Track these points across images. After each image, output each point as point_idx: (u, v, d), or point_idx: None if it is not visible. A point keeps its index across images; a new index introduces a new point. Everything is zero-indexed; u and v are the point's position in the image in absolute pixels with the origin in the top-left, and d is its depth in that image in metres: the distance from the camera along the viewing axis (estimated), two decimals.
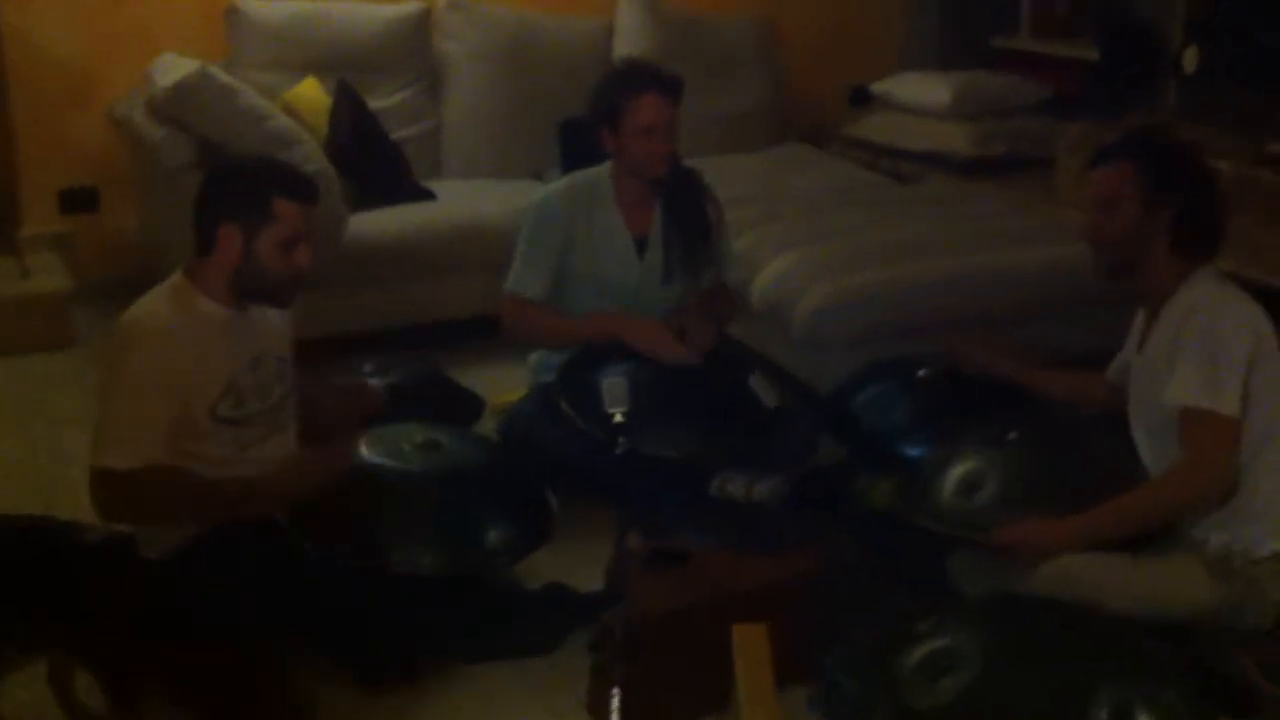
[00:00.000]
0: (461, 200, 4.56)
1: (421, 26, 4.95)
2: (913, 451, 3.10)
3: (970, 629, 2.38)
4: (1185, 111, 5.19)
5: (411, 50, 4.92)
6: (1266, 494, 2.60)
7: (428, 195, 4.58)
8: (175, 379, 2.53)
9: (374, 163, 4.54)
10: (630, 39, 5.22)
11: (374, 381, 3.31)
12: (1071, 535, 2.56)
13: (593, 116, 3.34)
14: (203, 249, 2.63)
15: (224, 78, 4.02)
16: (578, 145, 4.48)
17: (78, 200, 4.85)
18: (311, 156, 3.97)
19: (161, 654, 2.45)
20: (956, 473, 2.81)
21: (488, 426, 3.49)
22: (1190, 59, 5.10)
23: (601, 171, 3.40)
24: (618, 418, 2.65)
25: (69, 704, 2.40)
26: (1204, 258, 2.69)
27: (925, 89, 5.56)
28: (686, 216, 3.40)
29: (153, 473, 2.48)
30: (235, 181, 2.69)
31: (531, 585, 2.92)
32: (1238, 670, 2.57)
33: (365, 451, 2.74)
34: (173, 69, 4.11)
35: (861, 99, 5.94)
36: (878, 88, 5.77)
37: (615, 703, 2.34)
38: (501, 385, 3.68)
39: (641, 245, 3.38)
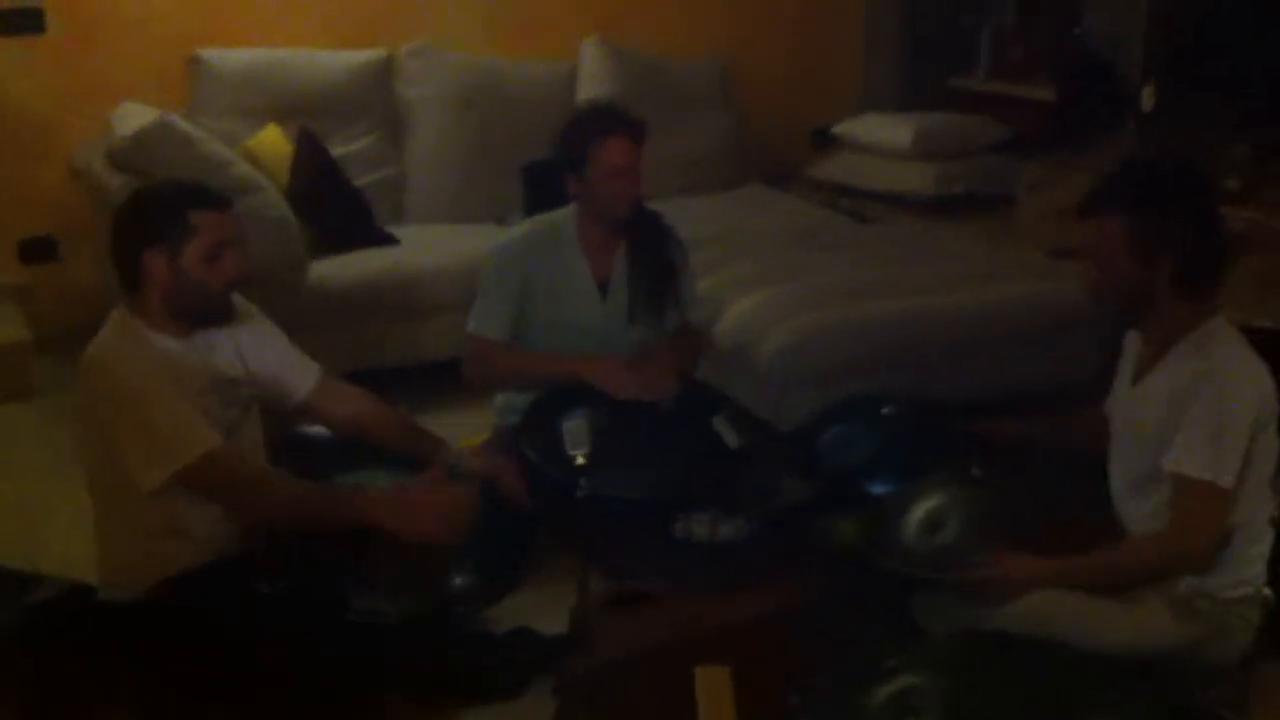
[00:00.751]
0: (424, 245, 4.57)
1: (383, 73, 4.97)
2: (877, 489, 3.10)
3: (936, 667, 2.38)
4: (1144, 149, 5.25)
5: (373, 96, 4.94)
6: (1235, 544, 2.59)
7: (390, 240, 4.58)
8: (171, 388, 2.54)
9: (336, 208, 4.54)
10: (593, 82, 5.25)
11: None
12: (1048, 576, 2.54)
13: (558, 160, 3.35)
14: (131, 284, 2.63)
15: (184, 126, 4.02)
16: (541, 189, 4.50)
17: (37, 250, 4.84)
18: (273, 203, 3.97)
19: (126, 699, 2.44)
20: (920, 511, 2.81)
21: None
22: (1148, 97, 5.17)
23: (564, 215, 3.40)
24: (579, 460, 2.64)
25: None
26: (1212, 291, 2.58)
27: (886, 130, 5.61)
28: (650, 258, 3.41)
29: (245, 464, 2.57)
30: (146, 207, 2.68)
31: (497, 629, 2.90)
32: (1204, 706, 2.57)
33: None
34: (133, 118, 4.11)
35: (823, 140, 5.99)
36: (839, 129, 5.82)
37: None
38: (466, 429, 3.66)
39: (604, 289, 3.38)
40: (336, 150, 4.70)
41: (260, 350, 2.83)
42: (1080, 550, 2.61)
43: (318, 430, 2.99)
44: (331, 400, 2.93)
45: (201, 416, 2.55)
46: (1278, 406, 2.56)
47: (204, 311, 2.66)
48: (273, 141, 4.53)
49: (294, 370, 2.90)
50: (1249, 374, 2.54)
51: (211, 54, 4.68)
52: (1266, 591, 2.64)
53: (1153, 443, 2.57)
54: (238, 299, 2.76)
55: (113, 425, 2.52)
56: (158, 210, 2.64)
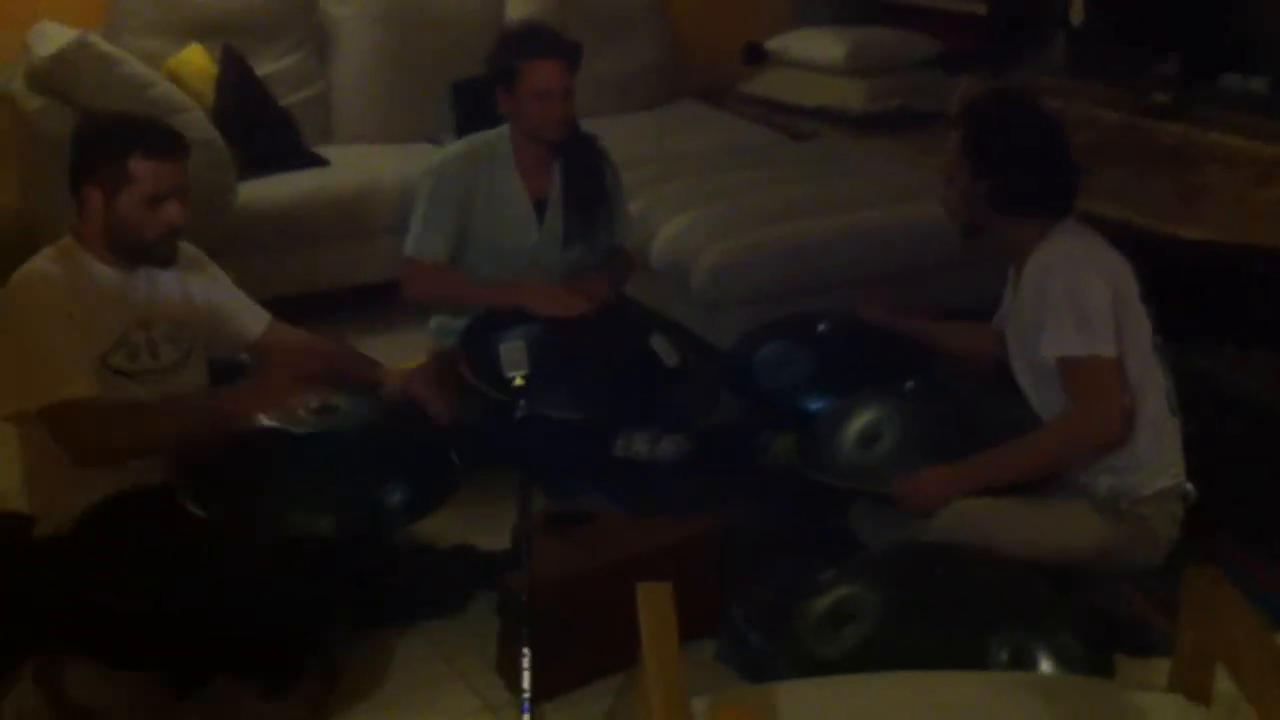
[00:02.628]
0: (354, 165, 4.50)
1: None
2: (812, 406, 3.13)
3: (871, 578, 2.42)
4: (1073, 64, 5.27)
5: (297, 13, 4.83)
6: (1145, 441, 2.66)
7: (319, 161, 4.51)
8: (75, 323, 2.50)
9: (263, 129, 4.46)
10: None
11: None
12: (964, 480, 2.61)
13: (489, 78, 3.31)
14: (78, 210, 2.61)
15: (104, 46, 3.91)
16: (472, 107, 4.45)
17: None
18: (197, 124, 3.89)
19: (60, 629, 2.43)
20: (854, 426, 2.85)
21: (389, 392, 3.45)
22: (1077, 12, 5.18)
23: (500, 134, 3.37)
24: (518, 381, 2.64)
25: (56, 703, 2.40)
26: (1044, 216, 2.71)
27: (819, 45, 5.58)
28: (584, 180, 3.39)
29: (104, 402, 2.48)
30: (91, 142, 2.63)
31: (439, 546, 2.92)
32: (1132, 609, 2.64)
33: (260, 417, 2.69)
34: (51, 38, 3.99)
35: (755, 56, 5.95)
36: (772, 44, 5.78)
37: (525, 663, 2.34)
38: (402, 351, 3.64)
39: (540, 208, 3.37)
40: (261, 69, 4.59)
41: (210, 295, 2.83)
42: None
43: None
44: (279, 342, 2.95)
45: (87, 364, 2.49)
46: (1138, 288, 2.68)
47: (141, 252, 2.63)
48: (196, 61, 4.43)
49: (245, 315, 2.92)
50: (1090, 255, 2.67)
51: None
52: (1188, 485, 2.71)
53: (1031, 343, 2.68)
54: (189, 246, 2.74)
55: (5, 349, 2.51)
56: (99, 148, 2.59)
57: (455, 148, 3.43)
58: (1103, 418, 2.60)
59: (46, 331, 2.48)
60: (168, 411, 2.61)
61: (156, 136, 2.62)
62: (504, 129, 3.36)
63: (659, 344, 3.29)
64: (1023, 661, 2.20)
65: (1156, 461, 2.68)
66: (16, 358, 2.49)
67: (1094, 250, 2.69)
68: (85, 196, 2.57)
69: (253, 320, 2.94)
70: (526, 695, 2.34)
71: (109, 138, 2.61)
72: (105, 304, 2.58)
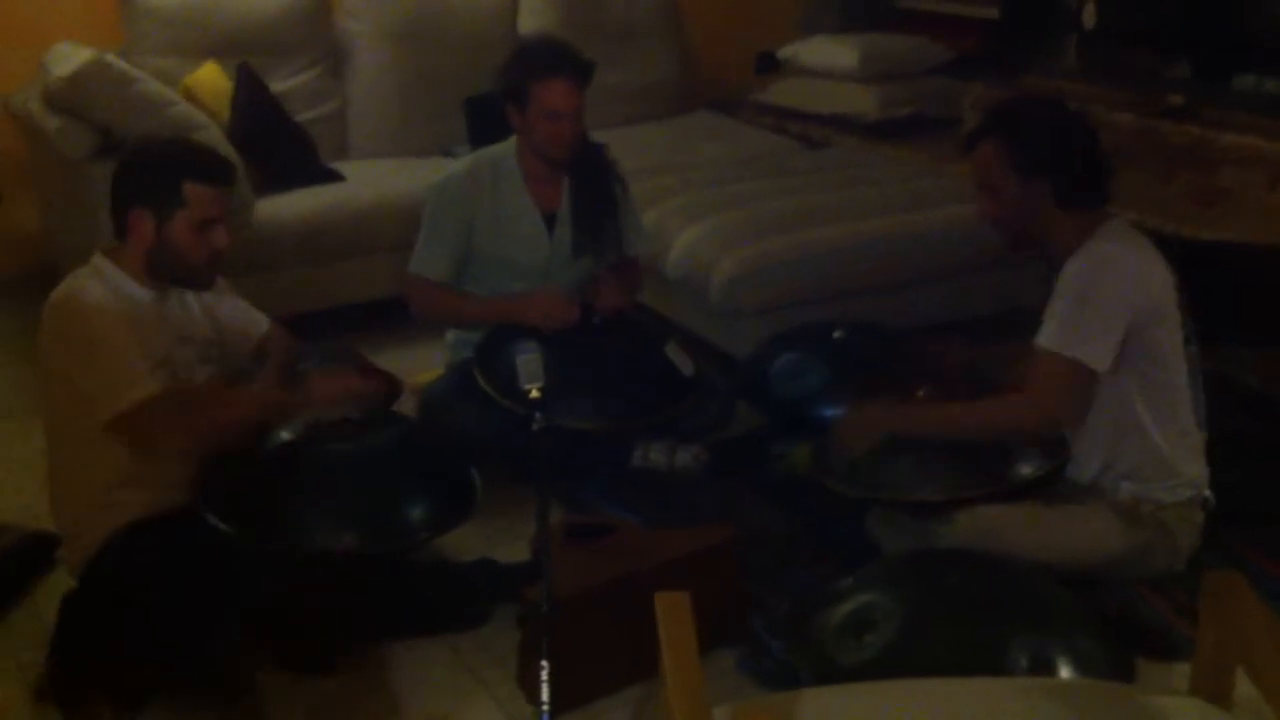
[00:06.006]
0: (369, 181, 4.52)
1: (322, 6, 4.89)
2: (828, 414, 3.13)
3: (890, 585, 2.42)
4: (1086, 68, 5.28)
5: (312, 30, 4.86)
6: (1171, 449, 2.65)
7: (335, 177, 4.53)
8: (130, 327, 2.52)
9: (279, 146, 4.48)
10: (535, 12, 5.20)
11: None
12: (896, 419, 2.70)
13: (499, 93, 3.32)
14: (118, 233, 2.62)
15: (121, 65, 3.94)
16: (485, 121, 4.46)
17: None
18: (215, 142, 3.91)
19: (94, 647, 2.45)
20: None
21: (406, 406, 3.47)
22: (1089, 16, 5.18)
23: (507, 148, 3.37)
24: (534, 393, 2.65)
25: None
26: (1098, 206, 2.70)
27: (831, 52, 5.59)
28: (593, 192, 3.39)
29: (179, 392, 2.54)
30: (145, 166, 2.65)
31: (460, 560, 2.93)
32: (1152, 614, 2.64)
33: (281, 433, 2.71)
34: (68, 58, 4.02)
35: (768, 65, 5.96)
36: (784, 52, 5.79)
37: (545, 675, 2.34)
38: (418, 365, 3.66)
39: (550, 221, 3.37)
40: (276, 86, 4.63)
41: (227, 310, 2.85)
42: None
43: None
44: (278, 344, 2.96)
45: (145, 364, 2.51)
46: (1175, 294, 2.65)
47: (180, 277, 2.65)
48: (211, 79, 4.46)
49: (252, 325, 2.94)
50: (1124, 258, 2.62)
51: None
52: (1207, 493, 2.71)
53: None
54: None
55: (72, 365, 2.51)
56: (154, 171, 2.61)
57: (458, 165, 3.44)
58: (1041, 411, 2.62)
59: (110, 338, 2.49)
60: (241, 401, 2.67)
61: (211, 163, 2.66)
62: (511, 142, 3.36)
63: (675, 354, 3.30)
64: (1042, 667, 2.20)
65: (1181, 471, 2.67)
66: (92, 370, 2.50)
67: (1132, 253, 2.65)
68: (134, 219, 2.58)
69: (255, 327, 2.95)
70: (546, 707, 2.34)
71: (164, 162, 2.63)
72: (148, 323, 2.59)
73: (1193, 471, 2.70)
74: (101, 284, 2.57)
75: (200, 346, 2.71)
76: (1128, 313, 2.58)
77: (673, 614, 1.80)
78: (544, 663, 2.34)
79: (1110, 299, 2.58)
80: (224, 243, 2.64)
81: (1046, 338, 2.61)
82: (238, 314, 2.89)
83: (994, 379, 2.92)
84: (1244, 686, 1.80)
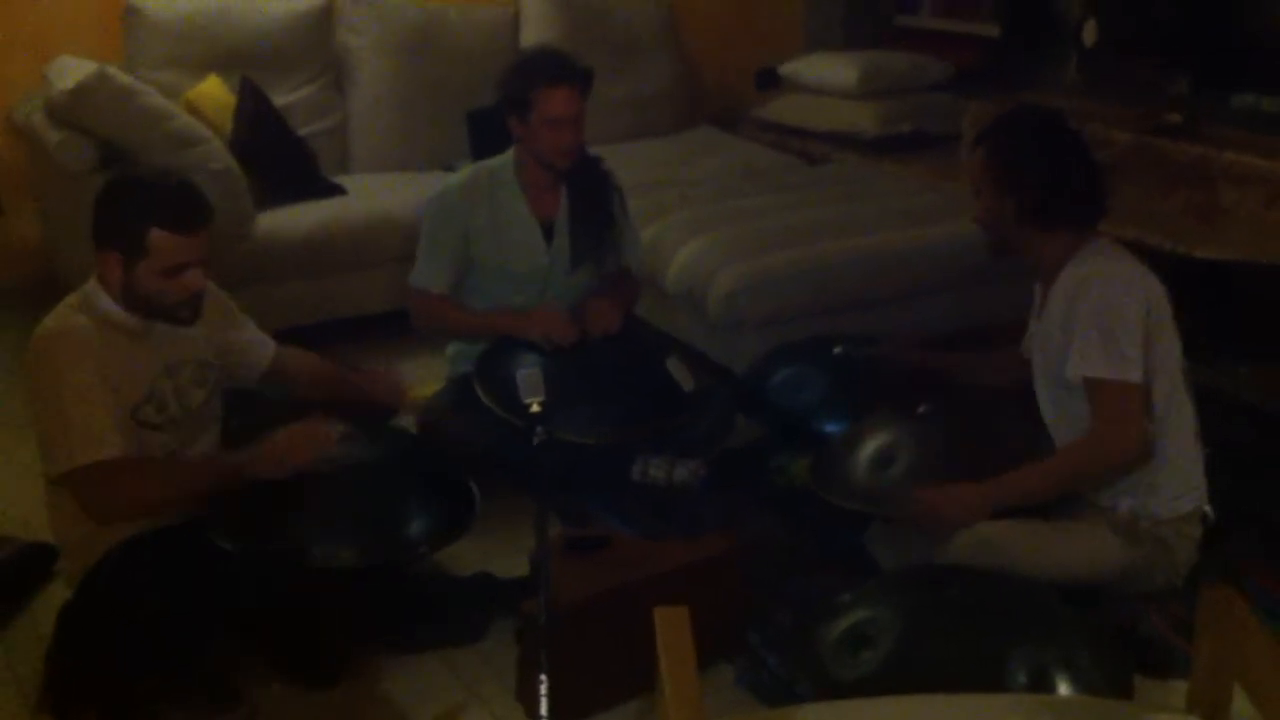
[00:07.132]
0: (371, 194, 4.54)
1: (324, 20, 4.91)
2: (827, 428, 3.14)
3: (888, 600, 2.42)
4: (1086, 84, 5.29)
5: (314, 44, 4.87)
6: (1171, 462, 2.66)
7: (337, 190, 4.54)
8: (105, 379, 2.48)
9: (281, 159, 4.49)
10: (537, 26, 5.22)
11: None
12: (985, 499, 2.60)
13: (501, 103, 3.33)
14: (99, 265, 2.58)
15: (123, 78, 3.95)
16: (487, 134, 4.47)
17: None
18: (216, 155, 3.93)
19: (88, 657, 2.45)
20: (869, 449, 2.85)
21: (406, 420, 3.47)
22: (1089, 32, 5.19)
23: (505, 159, 3.39)
24: (535, 407, 2.65)
25: None
26: (1088, 227, 2.71)
27: (831, 69, 5.61)
28: (591, 202, 3.40)
29: (133, 461, 2.47)
30: (112, 209, 2.55)
31: (458, 574, 2.93)
32: (1151, 630, 2.64)
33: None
34: (70, 71, 4.03)
35: (768, 81, 5.98)
36: (785, 69, 5.81)
37: (543, 690, 2.34)
38: (419, 378, 3.67)
39: (548, 230, 3.38)
40: (279, 100, 4.64)
41: (226, 329, 2.83)
42: None
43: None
44: (287, 366, 2.96)
45: (112, 423, 2.46)
46: (1170, 308, 2.67)
47: (159, 315, 2.59)
48: (214, 92, 4.47)
49: (256, 345, 2.92)
50: (1126, 274, 2.65)
51: (147, 4, 4.59)
52: (1206, 508, 2.71)
53: (1057, 361, 2.67)
54: None
55: (38, 410, 2.50)
56: (119, 218, 2.53)
57: (455, 178, 3.45)
58: (1122, 441, 2.59)
59: (78, 390, 2.44)
60: (194, 472, 2.60)
61: (179, 210, 2.54)
62: (509, 153, 3.38)
63: (674, 368, 3.31)
64: (1041, 683, 2.20)
65: (1179, 486, 2.68)
66: (54, 419, 2.46)
67: (1128, 270, 2.67)
68: (102, 260, 2.53)
69: (262, 348, 2.93)
70: None
71: (130, 206, 2.53)
72: (134, 355, 2.56)
73: (1191, 484, 2.70)
74: (89, 317, 2.53)
75: (192, 369, 2.68)
76: (1145, 323, 2.59)
77: (671, 628, 1.80)
78: (543, 676, 2.34)
79: (1127, 312, 2.58)
80: (199, 285, 2.57)
81: (1089, 367, 2.59)
82: (239, 334, 2.87)
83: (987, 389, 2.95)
84: (1241, 702, 1.80)
